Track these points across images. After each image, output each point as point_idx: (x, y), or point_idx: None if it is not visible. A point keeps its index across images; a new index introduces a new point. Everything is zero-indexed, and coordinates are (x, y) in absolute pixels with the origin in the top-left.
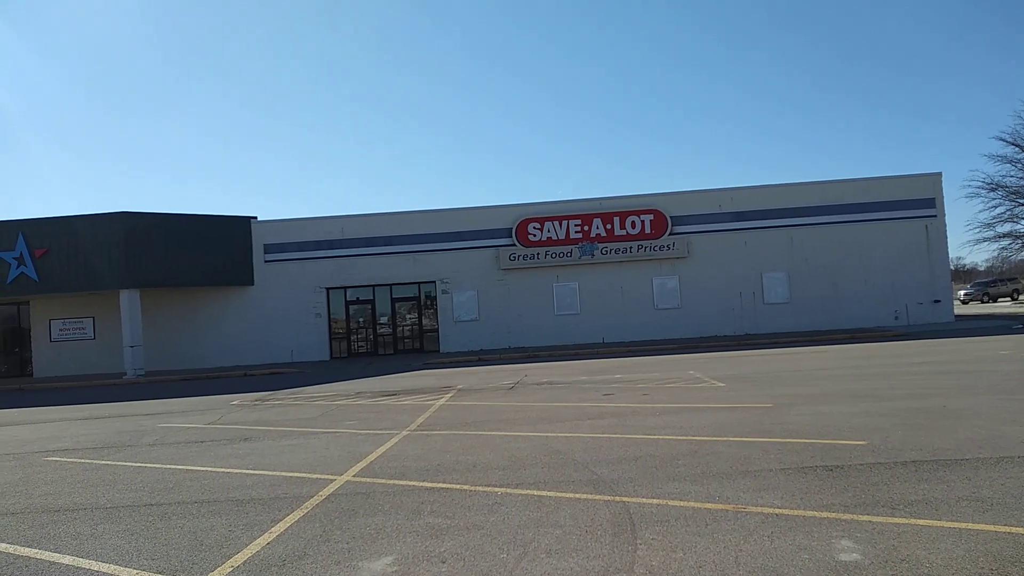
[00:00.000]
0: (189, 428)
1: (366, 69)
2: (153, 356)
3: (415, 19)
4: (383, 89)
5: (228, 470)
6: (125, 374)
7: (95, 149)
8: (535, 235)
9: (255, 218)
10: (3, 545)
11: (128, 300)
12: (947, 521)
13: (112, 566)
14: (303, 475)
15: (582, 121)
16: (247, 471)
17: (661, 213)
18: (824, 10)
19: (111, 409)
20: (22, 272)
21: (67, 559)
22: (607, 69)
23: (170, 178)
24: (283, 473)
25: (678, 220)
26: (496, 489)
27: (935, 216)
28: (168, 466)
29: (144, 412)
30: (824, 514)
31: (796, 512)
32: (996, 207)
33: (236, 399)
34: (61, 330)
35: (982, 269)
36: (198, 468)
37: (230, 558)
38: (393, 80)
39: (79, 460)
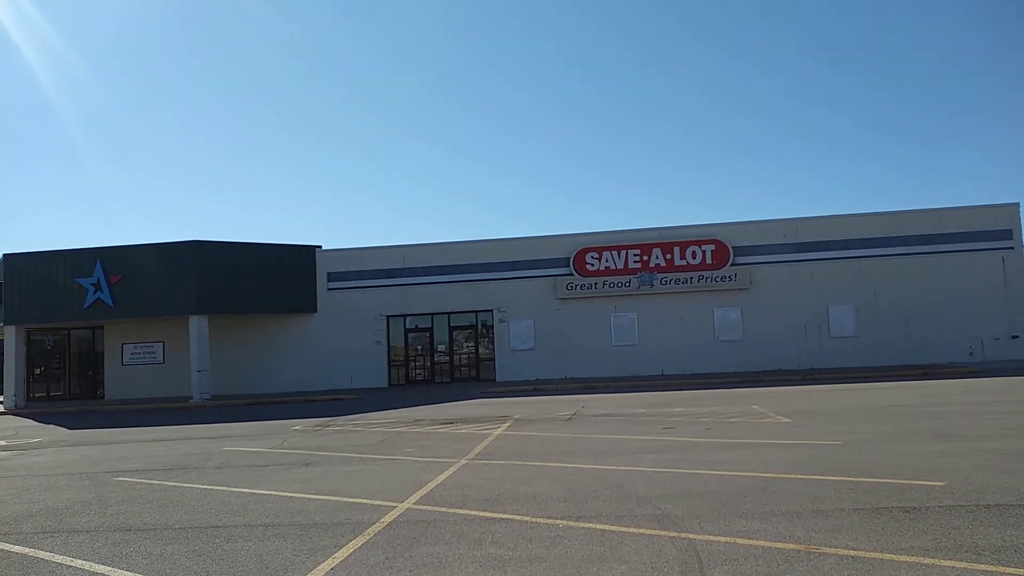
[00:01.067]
0: (253, 452)
1: (428, 109)
2: (219, 381)
3: (471, 60)
4: (443, 126)
5: (291, 494)
6: (192, 398)
7: (161, 172)
8: (593, 265)
9: (319, 247)
10: (79, 562)
11: (196, 326)
12: None
13: None
14: (364, 501)
15: (631, 157)
16: (310, 496)
17: (723, 243)
18: (889, 45)
19: (178, 432)
20: (99, 298)
21: None
22: (658, 107)
23: (238, 206)
24: (345, 499)
25: (740, 251)
26: (557, 521)
27: (1012, 248)
28: (234, 489)
29: (210, 435)
30: (903, 558)
31: (873, 555)
32: None
33: (298, 424)
34: (132, 354)
35: None
36: (262, 492)
37: None
38: (453, 118)
39: (149, 481)
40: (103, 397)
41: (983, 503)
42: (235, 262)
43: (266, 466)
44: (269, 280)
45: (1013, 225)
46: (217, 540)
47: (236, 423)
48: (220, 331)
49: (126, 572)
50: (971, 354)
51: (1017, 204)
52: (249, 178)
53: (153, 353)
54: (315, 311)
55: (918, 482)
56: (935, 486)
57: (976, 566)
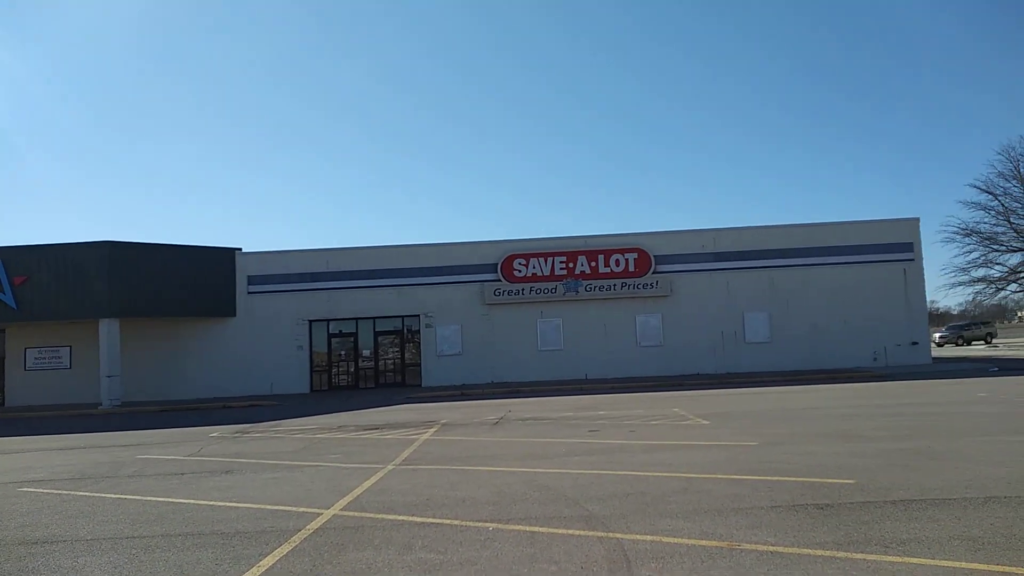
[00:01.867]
0: (169, 460)
1: (367, 99)
2: (131, 387)
3: (407, 45)
4: (383, 119)
5: (212, 503)
6: (101, 404)
7: (81, 164)
8: (520, 271)
9: (239, 249)
10: None
11: (107, 329)
12: (941, 560)
13: None
14: (289, 508)
15: (572, 155)
16: (231, 504)
17: (645, 252)
18: (818, 46)
19: (87, 440)
20: (0, 300)
21: None
22: (599, 105)
23: (158, 199)
24: (268, 506)
25: (661, 259)
26: (487, 524)
27: (912, 260)
28: (149, 498)
29: (122, 443)
30: (819, 552)
31: (790, 550)
32: (971, 252)
33: (216, 431)
34: (36, 359)
35: (955, 313)
36: (180, 500)
37: None
38: (387, 108)
39: (55, 491)
40: (3, 404)
41: (890, 499)
42: (150, 264)
43: (183, 474)
44: (186, 283)
45: (913, 238)
46: (133, 551)
47: (150, 430)
48: (133, 335)
49: None
50: (875, 359)
51: (918, 219)
52: (171, 178)
53: (59, 358)
54: (234, 315)
55: (830, 480)
56: (846, 484)
57: (884, 558)
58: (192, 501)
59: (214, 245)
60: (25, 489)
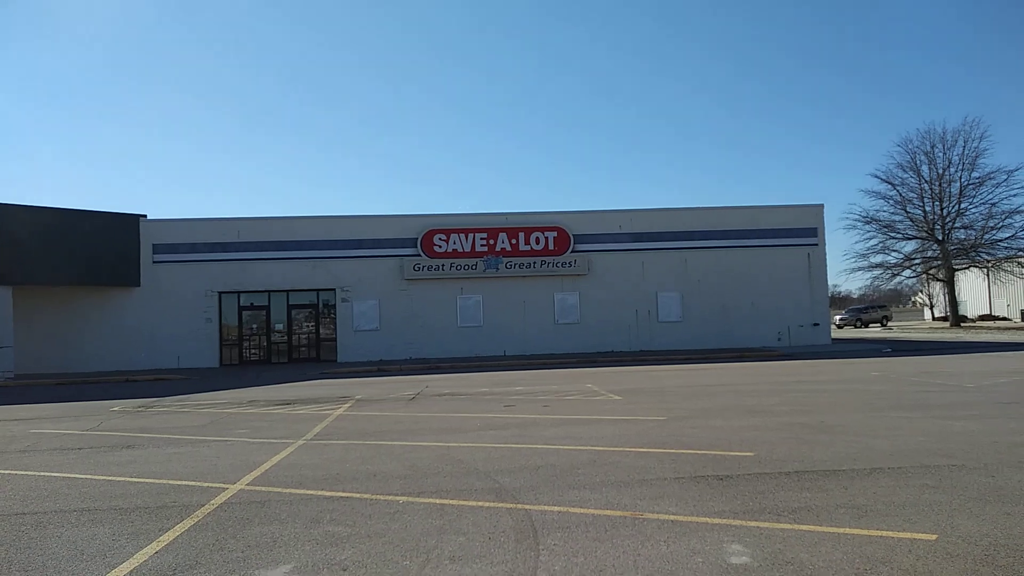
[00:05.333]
0: (65, 434)
1: (288, 52)
2: (27, 359)
3: (339, 9)
4: (318, 81)
5: (110, 478)
6: None
7: None
8: (440, 246)
9: (144, 216)
10: None
11: None
12: (827, 526)
13: None
14: (193, 483)
15: (490, 139)
16: (131, 479)
17: (564, 231)
18: (730, 30)
19: None
20: None
21: None
22: (518, 86)
23: (61, 170)
24: (171, 481)
25: (580, 238)
26: (398, 498)
27: (816, 245)
28: (42, 473)
29: (13, 417)
30: (716, 520)
31: (690, 518)
32: (871, 239)
33: (117, 405)
34: None
35: (855, 296)
36: (76, 476)
37: (114, 568)
38: (310, 61)
39: None
40: None
41: (785, 470)
42: (45, 229)
43: (80, 449)
44: (85, 250)
45: (818, 224)
46: (23, 527)
47: (46, 404)
48: (27, 304)
49: None
50: (779, 339)
51: (822, 205)
52: (75, 138)
53: None
54: (138, 285)
55: (732, 453)
56: (746, 456)
57: (776, 525)
58: (89, 476)
59: (117, 211)
60: None
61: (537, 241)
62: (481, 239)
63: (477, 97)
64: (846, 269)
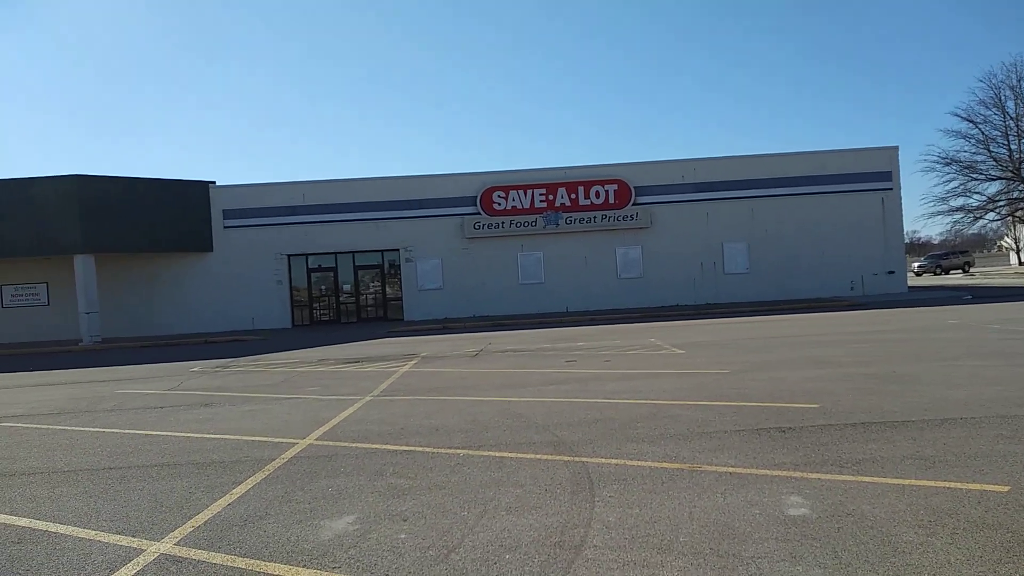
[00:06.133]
0: (148, 394)
1: (345, 30)
2: (110, 323)
3: None
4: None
5: (188, 434)
6: (81, 341)
7: (53, 107)
8: (500, 204)
9: (213, 183)
10: None
11: (83, 265)
12: (891, 478)
13: (71, 527)
14: (265, 439)
15: (553, 79)
16: (208, 435)
17: (625, 183)
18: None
19: (66, 376)
20: None
21: (24, 521)
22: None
23: (133, 142)
24: (244, 437)
25: (641, 191)
26: (458, 451)
27: (891, 189)
28: (127, 431)
29: (101, 379)
30: (776, 472)
31: (749, 470)
32: (950, 181)
33: (196, 366)
34: (13, 296)
35: (936, 242)
36: (157, 433)
37: (191, 518)
38: (367, 38)
39: (35, 426)
40: None
41: (850, 422)
42: (123, 198)
43: (162, 408)
44: (160, 217)
45: (892, 167)
46: (109, 481)
47: (129, 366)
48: (110, 271)
49: (9, 516)
50: (852, 289)
51: (896, 148)
52: (144, 112)
53: (36, 295)
54: (211, 250)
55: (795, 405)
56: (810, 408)
57: (838, 477)
58: (169, 433)
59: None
60: (4, 424)
61: (597, 195)
62: (540, 195)
63: (548, 35)
64: (924, 214)
